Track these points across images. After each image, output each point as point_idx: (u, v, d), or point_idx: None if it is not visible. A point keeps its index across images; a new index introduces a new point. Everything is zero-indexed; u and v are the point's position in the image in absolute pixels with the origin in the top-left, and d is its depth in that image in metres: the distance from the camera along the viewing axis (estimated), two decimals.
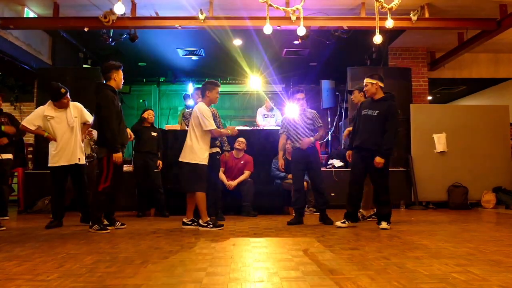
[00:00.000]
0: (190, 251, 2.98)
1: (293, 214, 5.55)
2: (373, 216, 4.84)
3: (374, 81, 4.29)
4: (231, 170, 5.71)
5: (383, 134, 4.16)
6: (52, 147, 4.42)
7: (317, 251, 2.95)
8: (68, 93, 4.48)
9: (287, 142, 5.87)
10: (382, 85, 4.31)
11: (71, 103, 4.55)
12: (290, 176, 5.75)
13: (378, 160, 4.11)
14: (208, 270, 2.35)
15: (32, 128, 4.38)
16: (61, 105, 4.45)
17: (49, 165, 4.40)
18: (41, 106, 4.51)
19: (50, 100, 4.46)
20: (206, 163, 4.27)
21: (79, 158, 4.45)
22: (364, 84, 4.42)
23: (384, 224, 4.13)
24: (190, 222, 4.39)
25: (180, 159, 4.30)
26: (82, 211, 4.63)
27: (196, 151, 4.21)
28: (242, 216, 5.41)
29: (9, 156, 5.30)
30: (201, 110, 4.27)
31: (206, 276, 2.22)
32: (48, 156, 4.44)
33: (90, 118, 4.68)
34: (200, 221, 4.24)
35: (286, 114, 4.88)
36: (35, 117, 4.42)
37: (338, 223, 4.35)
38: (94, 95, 4.17)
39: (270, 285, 2.06)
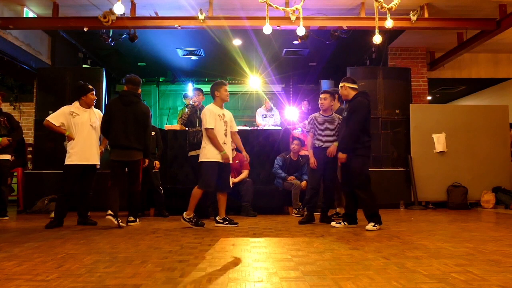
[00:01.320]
0: (189, 251, 2.98)
1: (293, 214, 5.59)
2: (334, 216, 4.89)
3: (342, 84, 4.42)
4: None
5: None
6: (69, 146, 4.47)
7: (316, 251, 2.95)
8: (94, 91, 4.67)
9: (293, 143, 5.89)
10: (352, 85, 4.38)
11: (96, 110, 4.73)
12: (290, 177, 5.78)
13: (340, 155, 4.19)
14: (207, 270, 2.35)
15: (57, 124, 4.45)
16: (88, 101, 4.60)
17: (66, 163, 4.43)
18: (67, 105, 4.61)
19: (76, 101, 4.60)
20: (215, 160, 4.31)
21: (96, 160, 4.58)
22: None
23: (369, 226, 4.05)
24: (222, 221, 4.44)
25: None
26: (80, 213, 4.60)
27: (204, 150, 4.36)
28: (242, 216, 5.40)
29: (6, 156, 5.30)
30: (205, 110, 4.42)
31: (206, 276, 2.22)
32: (66, 154, 4.46)
33: None
34: (184, 214, 4.34)
35: (315, 113, 4.90)
36: (59, 114, 4.51)
37: (334, 223, 4.36)
38: (134, 103, 4.55)
39: (270, 285, 2.06)
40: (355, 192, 4.19)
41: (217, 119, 4.36)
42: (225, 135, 4.42)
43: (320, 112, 4.82)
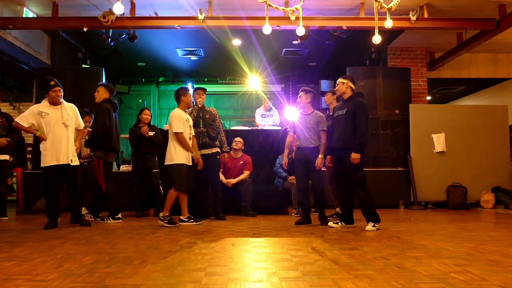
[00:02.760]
0: (189, 251, 2.98)
1: (293, 214, 5.59)
2: (334, 216, 4.88)
3: (345, 81, 4.36)
4: (230, 171, 5.71)
5: (352, 132, 4.17)
6: (42, 147, 4.35)
7: (316, 251, 2.95)
8: (61, 89, 4.44)
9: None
10: (353, 86, 4.37)
11: (68, 104, 4.53)
12: (291, 177, 5.77)
13: (354, 156, 4.09)
14: (207, 270, 2.35)
15: (25, 125, 4.31)
16: (51, 100, 4.39)
17: (41, 165, 4.34)
18: (36, 104, 4.47)
19: (45, 98, 4.44)
20: (185, 162, 4.50)
21: (71, 160, 4.40)
22: (336, 84, 4.48)
23: (369, 226, 4.05)
24: (186, 219, 4.59)
25: (165, 163, 4.61)
26: (73, 211, 4.54)
27: (173, 153, 4.50)
28: (241, 216, 5.41)
29: (5, 157, 5.29)
30: (173, 115, 4.59)
31: (205, 276, 2.22)
32: (41, 155, 4.37)
33: (82, 125, 4.70)
34: (160, 214, 4.49)
35: (295, 113, 4.90)
36: (28, 114, 4.36)
37: (331, 223, 4.36)
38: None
39: (269, 285, 2.06)
40: (355, 193, 4.17)
41: (184, 123, 4.56)
42: (190, 138, 4.63)
43: (301, 111, 4.81)
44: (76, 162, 4.49)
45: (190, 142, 4.62)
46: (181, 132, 4.49)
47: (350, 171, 4.16)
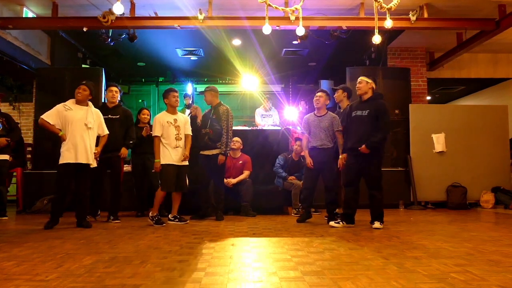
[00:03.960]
0: (189, 251, 2.98)
1: (293, 214, 5.59)
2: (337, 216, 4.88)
3: (370, 81, 4.33)
4: (229, 171, 5.71)
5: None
6: (62, 145, 4.33)
7: (316, 251, 2.95)
8: (86, 89, 4.46)
9: (296, 144, 5.89)
10: (375, 86, 4.37)
11: (95, 110, 4.57)
12: (291, 177, 5.78)
13: (363, 148, 4.12)
14: (207, 270, 2.35)
15: (51, 122, 4.32)
16: (77, 98, 4.44)
17: (59, 162, 4.31)
18: (62, 103, 4.49)
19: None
20: (171, 163, 4.58)
21: (89, 160, 4.38)
22: (358, 81, 4.43)
23: (377, 224, 4.15)
24: (172, 218, 4.73)
25: None
26: (76, 215, 4.47)
27: (162, 155, 4.63)
28: (241, 216, 5.40)
29: (5, 157, 5.28)
30: (155, 118, 4.76)
31: (205, 276, 2.22)
32: (60, 155, 4.33)
33: (106, 131, 4.65)
34: (150, 214, 4.61)
35: (309, 113, 4.91)
36: (53, 112, 4.37)
37: (332, 223, 4.36)
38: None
39: (269, 285, 2.06)
40: (371, 193, 4.22)
41: (165, 126, 4.65)
42: (177, 139, 4.68)
43: (315, 112, 4.82)
44: (94, 165, 4.47)
45: (178, 143, 4.64)
46: (155, 136, 4.62)
47: (371, 171, 4.20)
